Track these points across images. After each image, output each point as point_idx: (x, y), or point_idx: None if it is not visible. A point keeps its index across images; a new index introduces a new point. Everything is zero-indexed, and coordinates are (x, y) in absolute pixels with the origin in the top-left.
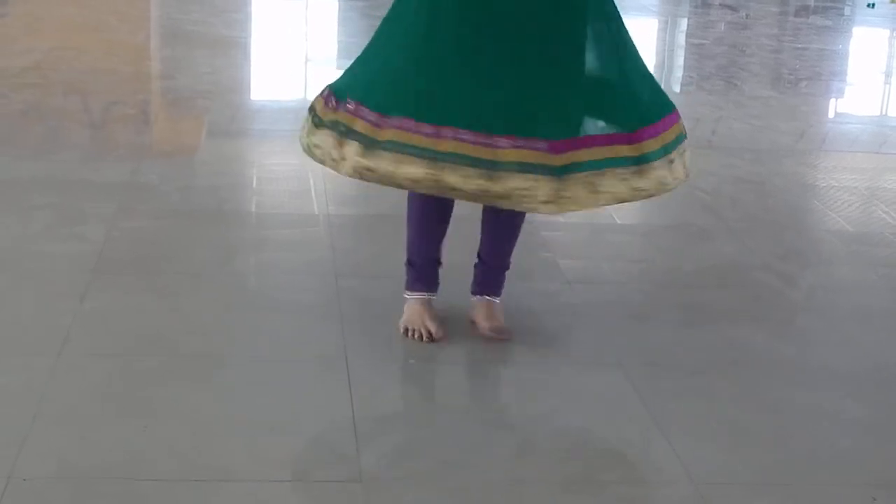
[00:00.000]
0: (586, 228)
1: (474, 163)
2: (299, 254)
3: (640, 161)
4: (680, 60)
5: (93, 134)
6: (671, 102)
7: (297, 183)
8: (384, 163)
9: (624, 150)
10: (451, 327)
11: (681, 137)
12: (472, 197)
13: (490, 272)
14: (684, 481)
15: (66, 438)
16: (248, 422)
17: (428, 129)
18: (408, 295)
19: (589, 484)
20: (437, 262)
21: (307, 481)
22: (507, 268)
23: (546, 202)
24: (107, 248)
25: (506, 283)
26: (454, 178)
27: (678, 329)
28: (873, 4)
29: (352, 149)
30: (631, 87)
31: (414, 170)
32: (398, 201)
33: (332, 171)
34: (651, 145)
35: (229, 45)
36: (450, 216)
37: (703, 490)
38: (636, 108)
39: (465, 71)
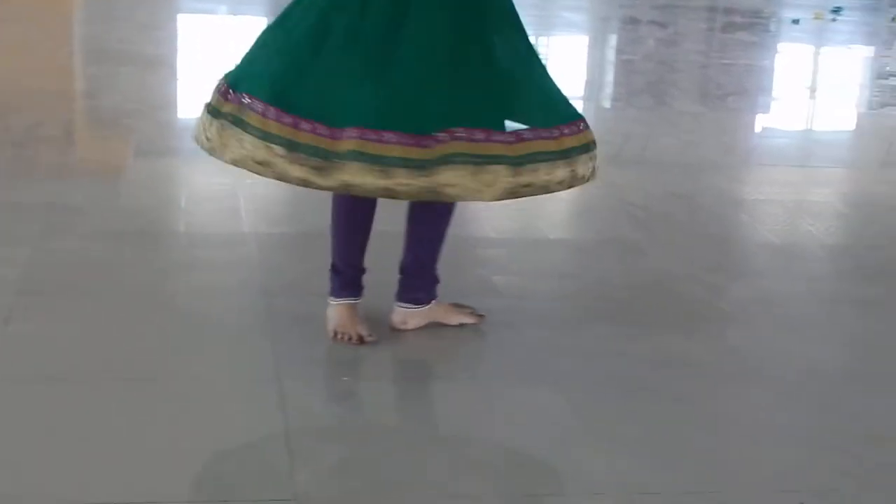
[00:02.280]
0: (520, 244)
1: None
2: (229, 273)
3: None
4: (609, 77)
5: (15, 154)
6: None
7: (227, 202)
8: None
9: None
10: (384, 343)
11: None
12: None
13: (409, 281)
14: (619, 494)
15: None
16: (180, 443)
17: (287, 118)
18: (333, 301)
19: (525, 499)
20: (361, 269)
21: (240, 502)
22: (431, 277)
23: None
24: (31, 270)
25: (439, 296)
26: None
27: (610, 343)
28: (798, 20)
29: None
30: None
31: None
32: (328, 219)
33: (262, 190)
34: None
35: (155, 63)
36: (370, 223)
37: (637, 500)
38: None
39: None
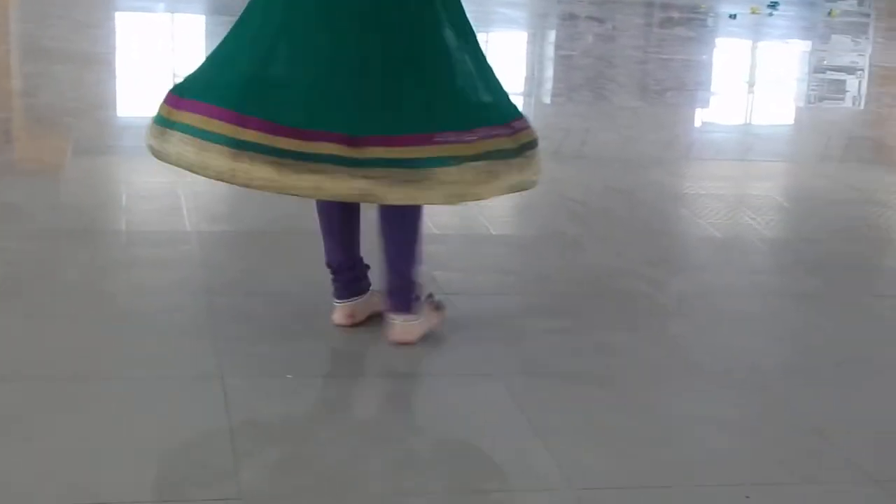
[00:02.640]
0: (461, 240)
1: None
2: (171, 272)
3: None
4: (549, 72)
5: None
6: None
7: (168, 200)
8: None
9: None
10: (324, 340)
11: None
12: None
13: (393, 288)
14: (564, 487)
15: None
16: (122, 443)
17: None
18: (336, 303)
19: (470, 493)
20: (357, 267)
21: (185, 501)
22: (411, 285)
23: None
24: None
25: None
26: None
27: (553, 337)
28: (735, 15)
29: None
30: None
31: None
32: (271, 217)
33: (203, 189)
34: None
35: (93, 61)
36: (354, 218)
37: (583, 495)
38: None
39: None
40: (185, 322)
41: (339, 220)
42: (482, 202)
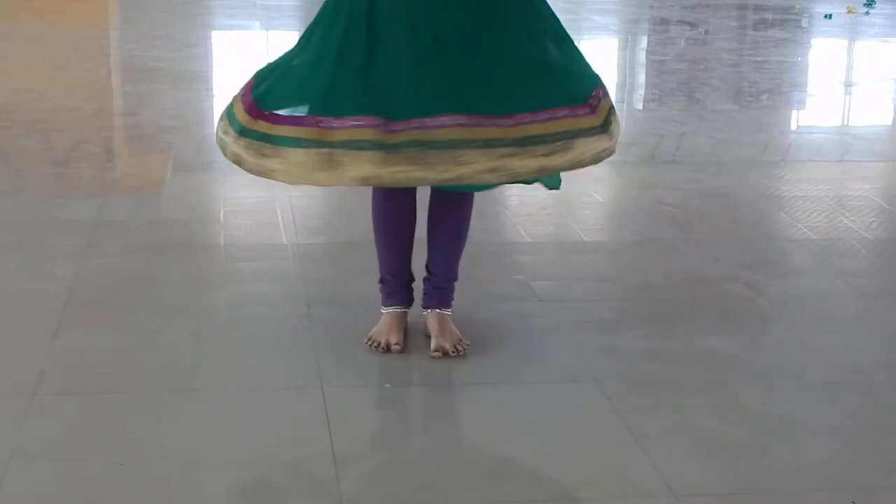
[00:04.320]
0: (555, 248)
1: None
2: (270, 284)
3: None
4: (641, 78)
5: (58, 172)
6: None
7: (265, 215)
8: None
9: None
10: (423, 349)
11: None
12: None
13: (439, 284)
14: (664, 494)
15: (43, 476)
16: (226, 453)
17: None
18: (382, 310)
19: (570, 501)
20: (408, 277)
21: None
22: (455, 279)
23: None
24: (76, 285)
25: (477, 305)
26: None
27: (651, 343)
28: (830, 15)
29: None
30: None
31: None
32: (365, 228)
33: (299, 202)
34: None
35: (191, 79)
36: (410, 230)
37: (684, 502)
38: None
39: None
40: (285, 333)
41: (399, 229)
42: (573, 209)
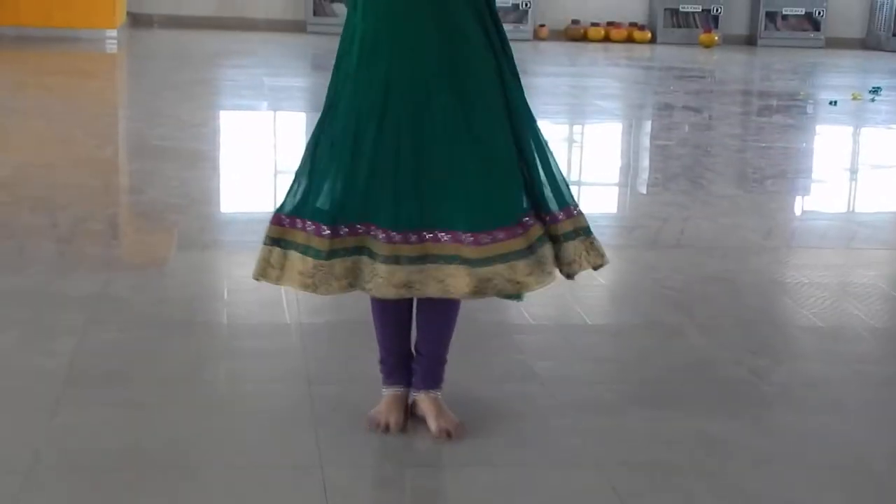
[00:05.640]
0: (558, 330)
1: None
2: (271, 362)
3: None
4: (645, 162)
5: (62, 248)
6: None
7: (268, 293)
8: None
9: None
10: (425, 429)
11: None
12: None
13: (430, 365)
14: None
15: None
16: None
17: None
18: (383, 390)
19: None
20: (408, 356)
21: None
22: (445, 361)
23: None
24: (77, 361)
25: (478, 385)
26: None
27: (654, 426)
28: (835, 102)
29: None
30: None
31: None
32: (368, 307)
33: None
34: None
35: (197, 158)
36: (408, 311)
37: None
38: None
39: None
40: (286, 411)
41: (395, 310)
42: (576, 291)
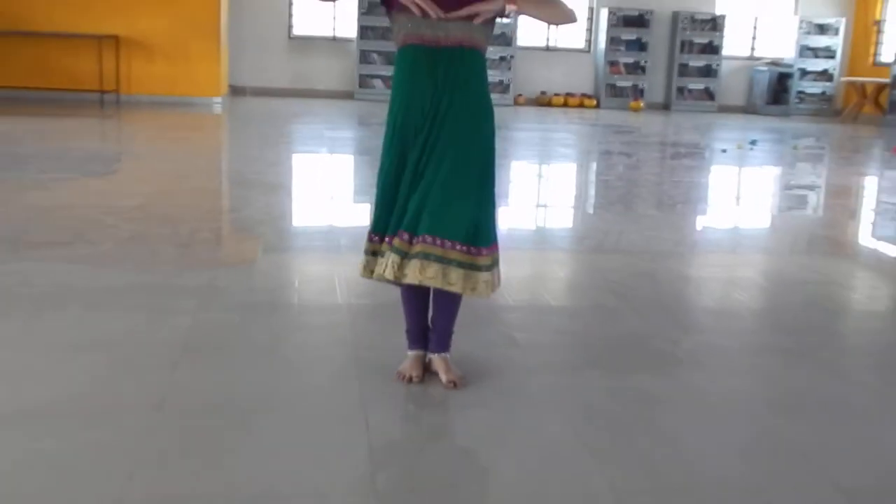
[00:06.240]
0: (531, 310)
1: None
2: (328, 333)
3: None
4: (592, 191)
5: (181, 252)
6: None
7: (326, 283)
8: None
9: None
10: (435, 381)
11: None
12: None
13: (441, 334)
14: (607, 491)
15: (173, 476)
16: (288, 456)
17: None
18: (408, 352)
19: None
20: (426, 328)
21: None
22: (452, 332)
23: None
24: (191, 332)
25: (475, 349)
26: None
27: (601, 382)
28: (725, 150)
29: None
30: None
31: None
32: (399, 294)
33: (352, 275)
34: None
35: (277, 187)
36: (426, 296)
37: (623, 498)
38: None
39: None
40: (338, 370)
41: (417, 295)
42: (544, 281)
